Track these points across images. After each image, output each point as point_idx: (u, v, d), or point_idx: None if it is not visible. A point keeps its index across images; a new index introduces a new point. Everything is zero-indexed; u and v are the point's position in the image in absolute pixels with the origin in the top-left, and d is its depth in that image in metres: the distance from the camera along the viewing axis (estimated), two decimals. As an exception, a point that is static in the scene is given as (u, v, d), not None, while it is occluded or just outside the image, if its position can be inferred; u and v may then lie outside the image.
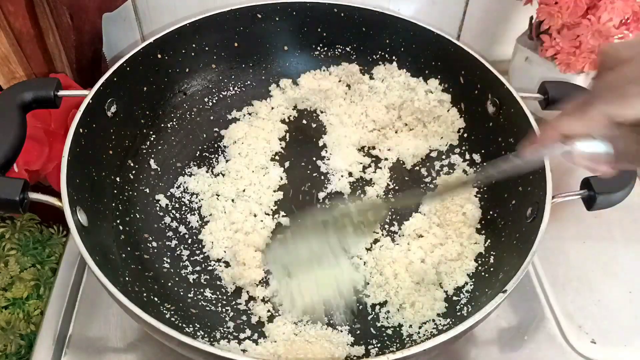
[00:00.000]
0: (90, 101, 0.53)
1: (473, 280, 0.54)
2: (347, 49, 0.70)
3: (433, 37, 0.65)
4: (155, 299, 0.51)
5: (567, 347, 0.55)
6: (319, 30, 0.69)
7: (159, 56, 0.62)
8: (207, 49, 0.66)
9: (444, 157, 0.65)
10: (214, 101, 0.68)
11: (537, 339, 0.55)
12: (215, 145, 0.65)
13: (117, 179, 0.58)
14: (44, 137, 0.59)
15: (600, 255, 0.62)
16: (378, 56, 0.69)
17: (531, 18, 0.68)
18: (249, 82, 0.70)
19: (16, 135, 0.48)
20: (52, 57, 0.63)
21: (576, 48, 0.60)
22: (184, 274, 0.55)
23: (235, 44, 0.67)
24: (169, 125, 0.65)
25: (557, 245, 0.63)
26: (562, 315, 0.57)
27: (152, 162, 0.62)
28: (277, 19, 0.67)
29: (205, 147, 0.65)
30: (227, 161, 0.63)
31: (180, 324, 0.50)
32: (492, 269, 0.54)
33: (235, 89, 0.69)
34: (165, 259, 0.56)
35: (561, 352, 0.55)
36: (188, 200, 0.60)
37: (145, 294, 0.51)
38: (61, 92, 0.52)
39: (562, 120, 0.31)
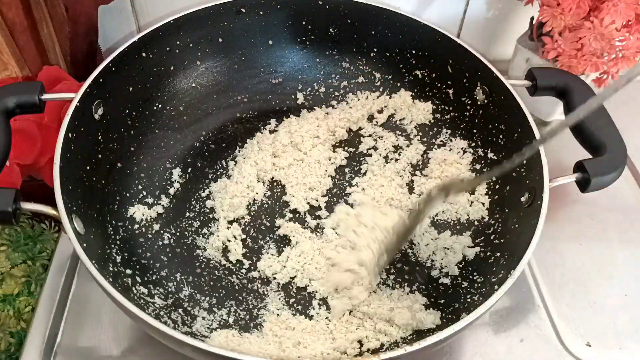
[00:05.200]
0: (78, 104, 0.52)
1: (474, 267, 0.55)
2: (334, 41, 0.69)
3: (420, 27, 0.64)
4: (157, 301, 0.50)
5: (562, 350, 0.55)
6: (304, 23, 0.68)
7: (143, 54, 0.60)
8: (191, 45, 0.65)
9: (435, 147, 0.65)
10: (201, 98, 0.67)
11: (532, 341, 0.56)
12: (205, 145, 0.65)
13: (108, 182, 0.57)
14: (36, 131, 0.57)
15: (596, 257, 0.63)
16: (364, 48, 0.69)
17: (532, 19, 0.68)
18: (234, 77, 0.69)
19: (0, 143, 0.47)
20: (46, 49, 0.62)
21: (578, 50, 0.60)
22: (180, 278, 0.54)
23: (220, 40, 0.66)
24: (157, 125, 0.64)
25: (553, 246, 0.63)
26: (557, 318, 0.57)
27: (142, 163, 0.61)
28: (261, 12, 0.67)
29: (195, 145, 0.64)
30: (218, 161, 0.63)
31: (182, 325, 0.49)
32: (493, 257, 0.54)
33: (221, 85, 0.68)
34: (164, 258, 0.55)
35: (556, 355, 0.55)
36: (180, 201, 0.59)
37: (146, 297, 0.50)
38: (45, 96, 0.51)
39: None
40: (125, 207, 0.57)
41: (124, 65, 0.58)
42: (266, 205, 0.61)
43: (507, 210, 0.56)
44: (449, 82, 0.65)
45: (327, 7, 0.67)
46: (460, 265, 0.56)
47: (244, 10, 0.66)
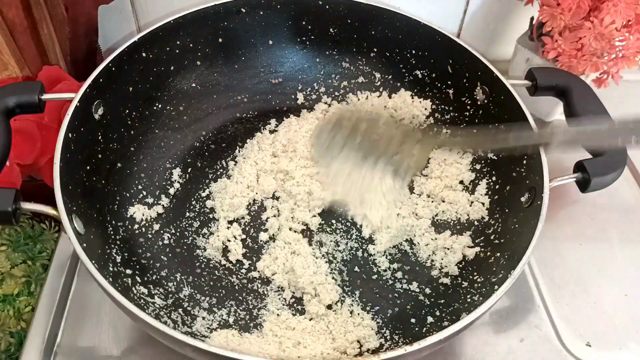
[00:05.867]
0: (78, 104, 0.52)
1: (474, 267, 0.55)
2: (334, 41, 0.69)
3: (420, 27, 0.65)
4: (157, 301, 0.50)
5: (562, 350, 0.55)
6: (304, 23, 0.68)
7: (143, 54, 0.60)
8: (191, 45, 0.65)
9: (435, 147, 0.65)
10: (201, 98, 0.67)
11: (532, 341, 0.55)
12: (205, 145, 0.65)
13: (108, 182, 0.57)
14: (35, 131, 0.57)
15: (596, 257, 0.63)
16: (364, 48, 0.69)
17: (532, 19, 0.68)
18: (234, 77, 0.69)
19: (0, 144, 0.47)
20: (46, 49, 0.62)
21: (578, 50, 0.60)
22: (180, 278, 0.54)
23: (220, 40, 0.66)
24: (157, 125, 0.64)
25: (553, 246, 0.63)
26: (558, 318, 0.57)
27: (142, 163, 0.61)
28: (261, 12, 0.67)
29: (195, 145, 0.65)
30: (218, 161, 0.63)
31: (182, 325, 0.49)
32: (493, 257, 0.54)
33: (221, 85, 0.68)
34: (164, 258, 0.55)
35: (556, 355, 0.55)
36: (180, 201, 0.59)
37: (146, 297, 0.50)
38: (45, 96, 0.51)
39: None
40: (125, 207, 0.57)
41: (124, 65, 0.58)
42: (266, 205, 0.61)
43: (507, 210, 0.57)
44: (449, 82, 0.65)
45: (327, 7, 0.67)
46: (460, 265, 0.56)
47: (244, 10, 0.66)
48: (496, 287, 0.45)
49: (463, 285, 0.54)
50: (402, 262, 0.57)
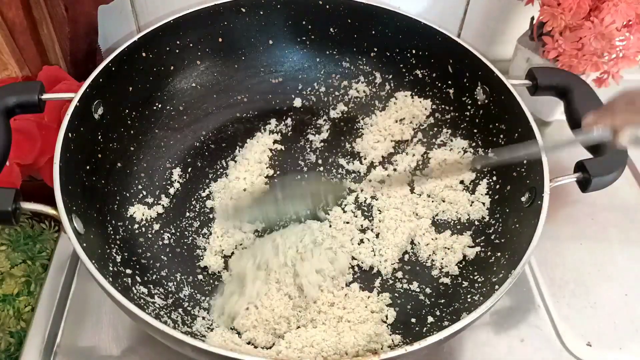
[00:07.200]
0: (78, 104, 0.52)
1: (475, 267, 0.55)
2: (334, 41, 0.69)
3: (420, 27, 0.65)
4: (157, 301, 0.50)
5: (562, 350, 0.55)
6: (304, 23, 0.68)
7: (143, 54, 0.60)
8: (191, 45, 0.65)
9: (435, 147, 0.66)
10: (201, 98, 0.67)
11: (533, 341, 0.56)
12: (205, 145, 0.65)
13: (108, 182, 0.57)
14: (35, 131, 0.57)
15: (596, 257, 0.63)
16: (364, 48, 0.69)
17: (532, 19, 0.68)
18: (234, 77, 0.69)
19: (0, 144, 0.47)
20: (46, 49, 0.61)
21: (578, 50, 0.60)
22: (180, 278, 0.54)
23: (220, 39, 0.66)
24: (157, 125, 0.64)
25: (554, 246, 0.63)
26: (558, 318, 0.57)
27: (142, 163, 0.61)
28: (261, 12, 0.67)
29: (195, 145, 0.65)
30: (218, 161, 0.63)
31: (182, 325, 0.49)
32: (493, 256, 0.54)
33: (221, 85, 0.68)
34: (164, 258, 0.55)
35: (557, 355, 0.55)
36: (180, 201, 0.59)
37: (146, 297, 0.50)
38: (45, 96, 0.51)
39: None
40: (125, 207, 0.57)
41: (124, 65, 0.58)
42: (266, 205, 0.61)
43: (507, 210, 0.56)
44: (449, 82, 0.65)
45: (327, 7, 0.67)
46: (461, 265, 0.56)
47: (244, 10, 0.66)
48: (496, 287, 0.45)
49: (463, 285, 0.54)
50: (402, 261, 0.57)
